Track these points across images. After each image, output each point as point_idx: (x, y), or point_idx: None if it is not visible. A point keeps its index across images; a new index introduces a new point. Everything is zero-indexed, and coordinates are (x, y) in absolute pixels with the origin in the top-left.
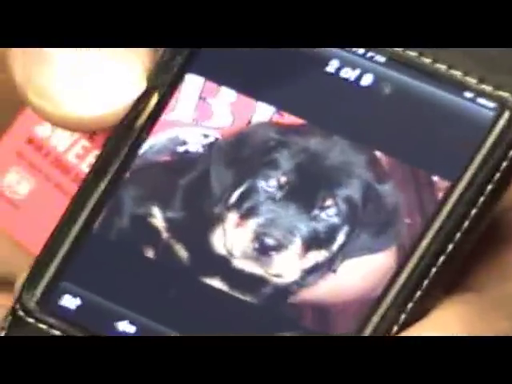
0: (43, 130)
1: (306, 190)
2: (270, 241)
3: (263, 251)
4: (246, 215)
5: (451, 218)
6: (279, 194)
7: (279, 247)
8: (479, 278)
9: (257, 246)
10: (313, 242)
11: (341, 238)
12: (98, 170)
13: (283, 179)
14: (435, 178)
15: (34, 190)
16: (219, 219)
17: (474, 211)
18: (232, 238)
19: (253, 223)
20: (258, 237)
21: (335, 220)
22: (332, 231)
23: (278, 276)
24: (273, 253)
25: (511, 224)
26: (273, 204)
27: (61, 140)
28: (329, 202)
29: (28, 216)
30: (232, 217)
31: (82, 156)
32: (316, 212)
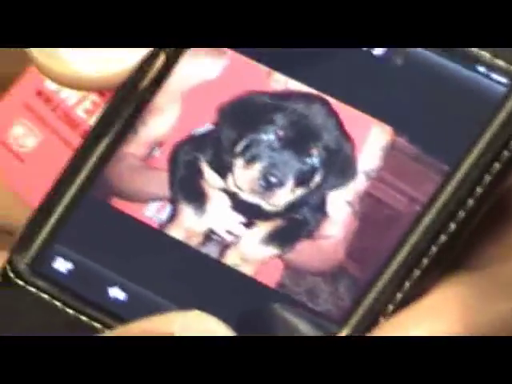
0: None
1: (297, 141)
2: (273, 179)
3: (268, 187)
4: (251, 160)
5: (455, 195)
6: (277, 144)
7: (280, 184)
8: (481, 258)
9: (263, 183)
10: (300, 181)
11: (317, 177)
12: (97, 131)
13: (280, 133)
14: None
15: (40, 143)
16: (228, 165)
17: (479, 190)
18: (241, 177)
19: (258, 166)
20: (264, 176)
21: (316, 164)
22: (312, 172)
23: (275, 206)
24: (275, 188)
25: None
26: (272, 151)
27: (70, 94)
28: (313, 151)
29: (33, 170)
30: (239, 162)
31: (91, 111)
32: (304, 158)
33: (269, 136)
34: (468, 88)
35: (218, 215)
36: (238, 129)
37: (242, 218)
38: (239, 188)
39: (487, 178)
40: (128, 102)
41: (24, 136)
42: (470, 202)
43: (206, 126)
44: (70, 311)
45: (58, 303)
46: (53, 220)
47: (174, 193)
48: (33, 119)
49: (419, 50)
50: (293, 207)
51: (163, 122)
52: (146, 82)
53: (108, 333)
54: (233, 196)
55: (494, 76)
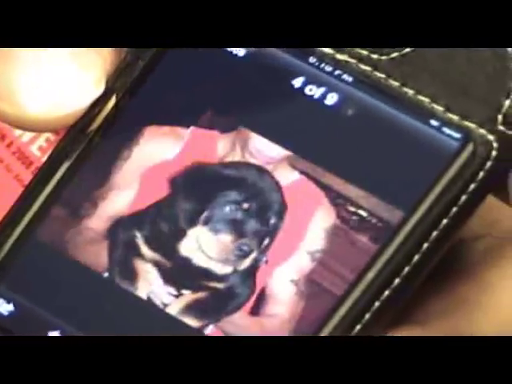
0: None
1: (259, 212)
2: (245, 248)
3: (243, 256)
4: (217, 231)
5: (401, 251)
6: (239, 215)
7: (251, 251)
8: (427, 312)
9: (237, 253)
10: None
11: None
12: (44, 173)
13: (245, 205)
14: (390, 207)
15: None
16: (189, 234)
17: (425, 245)
18: (209, 244)
19: (226, 237)
20: (238, 247)
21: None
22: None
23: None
24: (248, 255)
25: (466, 257)
26: (235, 223)
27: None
28: (272, 221)
29: None
30: (205, 231)
31: (45, 149)
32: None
33: (230, 207)
34: (420, 141)
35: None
36: (194, 200)
37: (172, 290)
38: (205, 253)
39: (434, 234)
40: (77, 144)
41: None
42: (416, 257)
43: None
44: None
45: None
46: None
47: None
48: None
49: (372, 100)
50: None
51: (120, 198)
52: (95, 124)
53: None
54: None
55: (447, 130)
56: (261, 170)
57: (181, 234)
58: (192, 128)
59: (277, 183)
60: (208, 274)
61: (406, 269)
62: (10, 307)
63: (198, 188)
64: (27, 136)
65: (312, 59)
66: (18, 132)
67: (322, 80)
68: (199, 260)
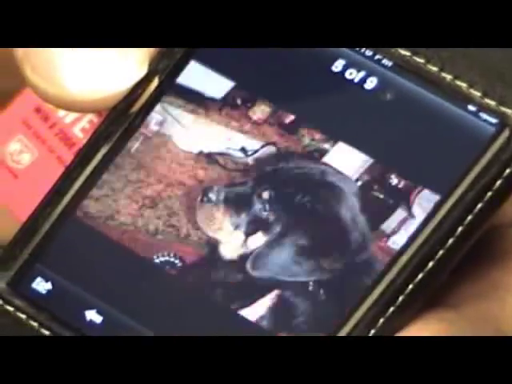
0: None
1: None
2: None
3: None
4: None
5: (435, 234)
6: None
7: None
8: (460, 296)
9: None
10: None
11: None
12: (85, 154)
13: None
14: (425, 191)
15: (35, 160)
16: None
17: (460, 229)
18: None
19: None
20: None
21: None
22: None
23: None
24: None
25: (500, 242)
26: None
27: (68, 112)
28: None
29: (26, 187)
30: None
31: (87, 130)
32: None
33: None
34: (457, 126)
35: None
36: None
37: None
38: None
39: (469, 218)
40: (118, 125)
41: (20, 152)
42: (451, 240)
43: None
44: (46, 332)
45: (34, 323)
46: (36, 239)
47: None
48: (30, 136)
49: (410, 84)
50: None
51: None
52: (137, 105)
53: None
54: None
55: (484, 115)
56: None
57: None
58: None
59: None
60: None
61: (441, 252)
62: (49, 285)
63: None
64: (70, 117)
65: None
66: (61, 113)
67: (362, 64)
68: None
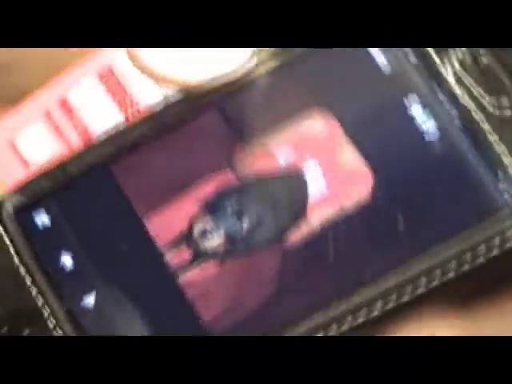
0: (77, 96)
1: None
2: None
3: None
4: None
5: None
6: None
7: None
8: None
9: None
10: None
11: None
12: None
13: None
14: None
15: (50, 152)
16: None
17: None
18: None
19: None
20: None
21: None
22: None
23: None
24: None
25: None
26: None
27: (91, 111)
28: None
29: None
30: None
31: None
32: None
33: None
34: (479, 185)
35: None
36: None
37: None
38: None
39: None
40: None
41: (36, 142)
42: None
43: None
44: (17, 262)
45: (11, 250)
46: (60, 180)
47: None
48: (49, 126)
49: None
50: None
51: None
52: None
53: None
54: None
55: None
56: None
57: None
58: None
59: None
60: None
61: None
62: (47, 220)
63: None
64: (93, 117)
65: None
66: (84, 111)
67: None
68: None
